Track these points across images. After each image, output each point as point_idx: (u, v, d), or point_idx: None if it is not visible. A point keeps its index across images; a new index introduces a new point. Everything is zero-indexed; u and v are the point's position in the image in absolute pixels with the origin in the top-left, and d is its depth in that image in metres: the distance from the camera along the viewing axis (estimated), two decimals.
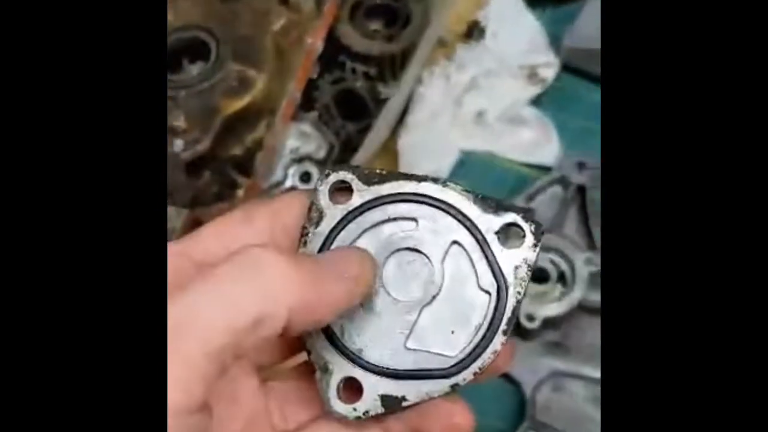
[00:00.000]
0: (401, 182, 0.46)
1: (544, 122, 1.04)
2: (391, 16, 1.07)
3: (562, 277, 0.91)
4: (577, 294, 0.89)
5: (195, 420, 0.38)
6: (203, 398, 0.38)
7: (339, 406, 0.46)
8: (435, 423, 0.46)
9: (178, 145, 0.85)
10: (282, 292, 0.40)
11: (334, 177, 0.47)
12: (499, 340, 0.45)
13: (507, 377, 0.89)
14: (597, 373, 0.88)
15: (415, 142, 1.02)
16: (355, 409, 0.46)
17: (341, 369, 0.46)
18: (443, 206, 0.46)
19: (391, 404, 0.45)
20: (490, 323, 0.45)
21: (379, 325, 0.46)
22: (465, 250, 0.46)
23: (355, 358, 0.46)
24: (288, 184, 0.93)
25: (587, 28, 1.06)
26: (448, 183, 0.47)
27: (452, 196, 0.46)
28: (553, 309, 0.89)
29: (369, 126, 0.98)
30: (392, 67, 1.03)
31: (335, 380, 0.46)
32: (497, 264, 0.45)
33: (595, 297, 0.90)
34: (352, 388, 0.46)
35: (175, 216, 0.81)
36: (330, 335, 0.46)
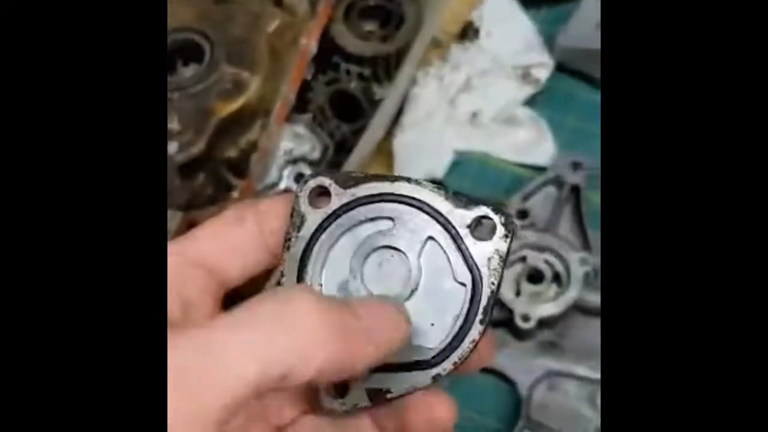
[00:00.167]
0: (376, 183, 0.48)
1: (538, 122, 1.04)
2: (385, 17, 1.07)
3: (557, 277, 0.91)
4: (572, 294, 0.89)
5: None
6: None
7: (328, 402, 0.47)
8: (417, 416, 0.47)
9: (172, 147, 0.85)
10: (314, 349, 0.39)
11: (312, 182, 0.49)
12: (476, 329, 0.46)
13: (502, 377, 0.90)
14: (592, 373, 0.88)
15: (409, 142, 1.02)
16: (343, 404, 0.47)
17: None
18: (417, 204, 0.48)
19: (377, 397, 0.47)
20: (467, 314, 0.47)
21: None
22: (440, 245, 0.47)
23: None
24: (282, 185, 0.93)
25: (582, 27, 1.06)
26: (421, 181, 0.48)
27: (425, 193, 0.48)
28: (548, 309, 0.89)
29: (363, 127, 0.98)
30: (386, 67, 1.03)
31: None
32: (471, 256, 0.47)
33: (590, 297, 0.90)
34: (340, 383, 0.47)
35: (169, 218, 0.81)
36: None
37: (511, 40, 1.09)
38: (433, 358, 0.46)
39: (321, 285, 0.48)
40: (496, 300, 0.47)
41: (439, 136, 1.03)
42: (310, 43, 0.94)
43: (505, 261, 0.47)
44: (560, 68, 1.08)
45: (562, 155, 1.00)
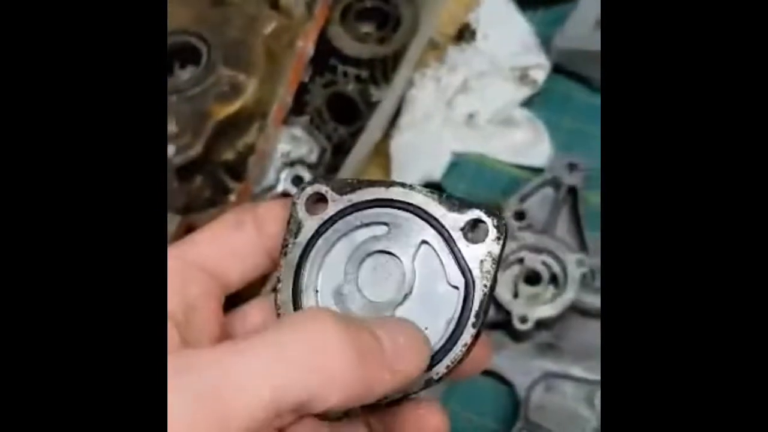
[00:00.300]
0: (371, 189, 0.49)
1: (535, 124, 1.05)
2: (382, 19, 1.07)
3: (554, 279, 0.91)
4: (569, 295, 0.89)
5: None
6: None
7: None
8: (408, 426, 0.47)
9: (169, 150, 0.85)
10: (337, 379, 0.39)
11: (310, 189, 0.49)
12: (468, 333, 0.46)
13: (500, 378, 0.90)
14: (590, 374, 0.88)
15: (406, 144, 1.02)
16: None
17: None
18: (411, 208, 0.48)
19: (370, 403, 0.46)
20: (460, 317, 0.47)
21: None
22: (433, 248, 0.48)
23: None
24: (280, 188, 0.93)
25: (578, 29, 1.06)
26: (415, 186, 0.49)
27: (419, 198, 0.48)
28: (545, 310, 0.89)
29: (361, 129, 0.98)
30: (383, 69, 1.03)
31: None
32: (463, 259, 0.47)
33: (588, 298, 0.90)
34: None
35: (167, 221, 0.81)
36: None
37: (508, 42, 1.09)
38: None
39: (317, 291, 0.49)
40: (489, 303, 0.47)
41: (436, 138, 1.03)
42: (306, 46, 0.94)
43: (498, 263, 0.47)
44: (557, 69, 1.08)
45: (559, 156, 1.00)
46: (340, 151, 0.98)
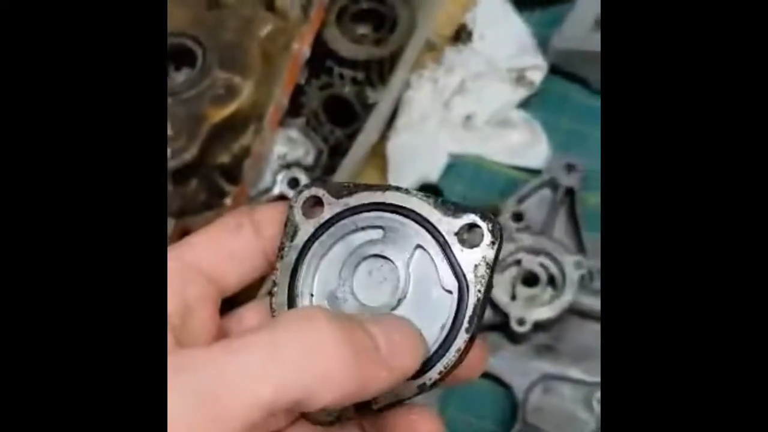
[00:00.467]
0: (368, 193, 0.49)
1: (532, 125, 1.04)
2: (378, 20, 1.07)
3: (552, 281, 0.91)
4: (567, 297, 0.89)
5: None
6: None
7: (314, 412, 0.46)
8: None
9: None
10: (332, 376, 0.39)
11: (306, 193, 0.49)
12: (462, 338, 0.46)
13: (498, 381, 0.90)
14: (588, 376, 0.88)
15: (403, 145, 1.02)
16: (329, 414, 0.47)
17: None
18: (406, 213, 0.48)
19: (363, 407, 0.46)
20: (453, 322, 0.46)
21: None
22: (428, 253, 0.47)
23: None
24: (276, 190, 0.93)
25: (575, 29, 1.06)
26: (411, 191, 0.48)
27: (414, 202, 0.48)
28: (543, 312, 0.89)
29: (357, 131, 0.98)
30: (380, 71, 1.03)
31: None
32: (458, 264, 0.47)
33: (586, 300, 0.90)
34: None
35: None
36: None
37: (505, 43, 1.09)
38: (419, 367, 0.46)
39: (312, 294, 0.49)
40: (483, 308, 0.46)
41: (433, 139, 1.03)
42: (302, 48, 0.94)
43: (493, 268, 0.46)
44: (554, 70, 1.07)
45: (556, 157, 1.00)
46: (337, 153, 0.98)
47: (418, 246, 0.48)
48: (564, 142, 1.03)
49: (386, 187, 0.49)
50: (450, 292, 0.47)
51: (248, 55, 0.91)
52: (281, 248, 0.49)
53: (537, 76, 1.06)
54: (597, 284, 0.91)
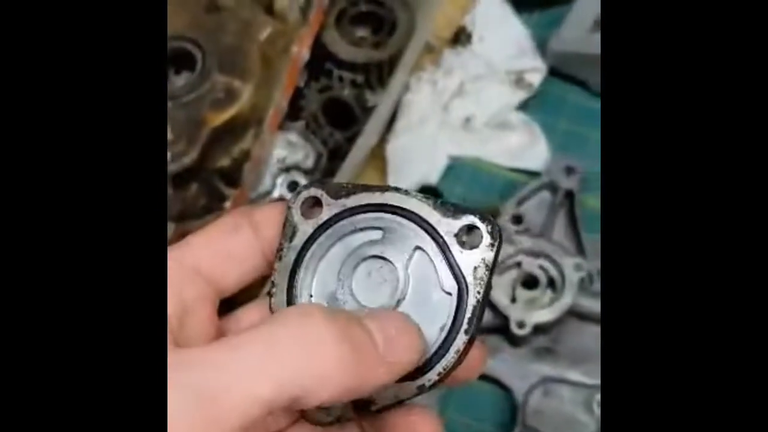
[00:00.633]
0: (366, 194, 0.49)
1: (531, 127, 1.04)
2: (377, 23, 1.07)
3: (551, 283, 0.91)
4: (566, 299, 0.89)
5: None
6: None
7: (313, 413, 0.47)
8: None
9: None
10: (329, 372, 0.39)
11: (305, 194, 0.49)
12: (461, 339, 0.46)
13: (498, 383, 0.90)
14: (588, 378, 0.88)
15: (403, 148, 1.02)
16: (328, 415, 0.47)
17: None
18: (405, 214, 0.48)
19: (362, 409, 0.47)
20: (452, 324, 0.46)
21: None
22: (427, 254, 0.47)
23: None
24: (276, 193, 0.93)
25: (574, 31, 1.06)
26: (410, 192, 0.48)
27: (413, 203, 0.48)
28: (543, 315, 0.89)
29: (357, 134, 0.98)
30: (379, 74, 1.03)
31: None
32: (457, 265, 0.47)
33: (585, 302, 0.90)
34: None
35: None
36: None
37: (504, 45, 1.09)
38: (418, 368, 0.46)
39: (311, 295, 0.49)
40: (482, 309, 0.46)
41: (432, 142, 1.03)
42: (302, 51, 0.94)
43: (492, 270, 0.46)
44: (553, 72, 1.08)
45: (555, 160, 1.00)
46: (337, 156, 0.98)
47: (418, 247, 0.48)
48: (563, 144, 1.03)
49: (385, 188, 0.49)
50: (449, 293, 0.47)
51: (248, 59, 0.91)
52: (280, 249, 0.49)
53: (536, 78, 1.06)
54: (597, 286, 0.91)
